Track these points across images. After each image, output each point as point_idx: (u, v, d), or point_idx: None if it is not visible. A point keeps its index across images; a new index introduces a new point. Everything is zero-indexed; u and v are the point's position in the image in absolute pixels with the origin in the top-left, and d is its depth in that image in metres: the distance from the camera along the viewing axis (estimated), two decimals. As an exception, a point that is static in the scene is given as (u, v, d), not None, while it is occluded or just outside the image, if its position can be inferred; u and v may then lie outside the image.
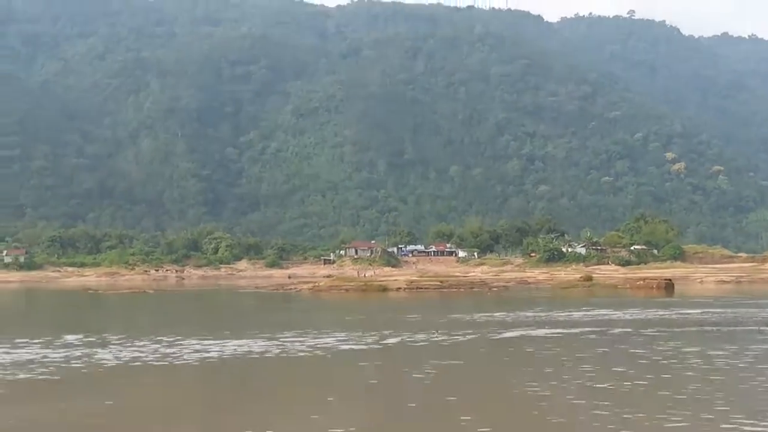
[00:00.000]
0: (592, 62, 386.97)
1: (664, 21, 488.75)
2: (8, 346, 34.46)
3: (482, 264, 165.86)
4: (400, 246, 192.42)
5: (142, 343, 35.18)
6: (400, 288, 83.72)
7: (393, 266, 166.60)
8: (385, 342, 35.77)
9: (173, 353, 32.13)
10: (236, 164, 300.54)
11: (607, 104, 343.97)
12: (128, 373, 27.66)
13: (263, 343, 35.06)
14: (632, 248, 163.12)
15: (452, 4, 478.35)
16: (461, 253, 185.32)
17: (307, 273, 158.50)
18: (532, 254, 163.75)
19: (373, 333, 38.73)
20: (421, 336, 37.76)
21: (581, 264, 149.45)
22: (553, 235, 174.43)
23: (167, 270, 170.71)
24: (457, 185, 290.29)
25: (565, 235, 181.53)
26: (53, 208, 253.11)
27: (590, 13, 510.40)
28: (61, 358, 31.08)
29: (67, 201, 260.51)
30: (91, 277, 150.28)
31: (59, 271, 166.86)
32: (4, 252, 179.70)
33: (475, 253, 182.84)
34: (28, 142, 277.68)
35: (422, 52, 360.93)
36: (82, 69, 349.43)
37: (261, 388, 25.96)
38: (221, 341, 35.69)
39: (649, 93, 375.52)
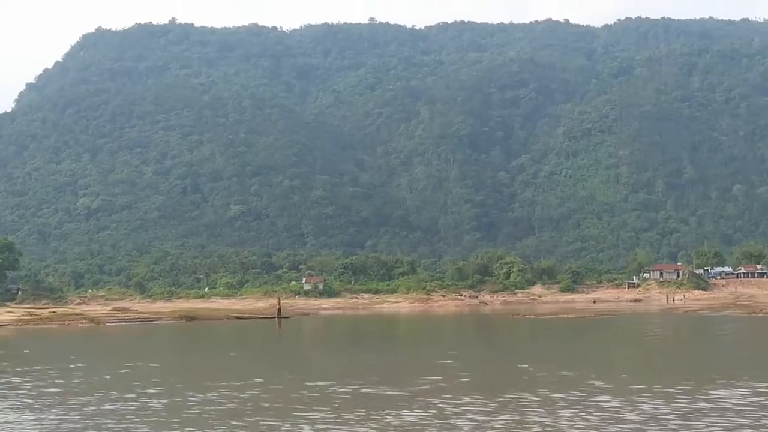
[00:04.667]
0: None
1: None
2: None
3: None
4: (706, 268, 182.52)
5: None
6: None
7: (703, 289, 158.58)
8: None
9: None
10: (509, 188, 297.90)
11: None
12: None
13: None
14: None
15: (724, 18, 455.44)
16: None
17: (612, 297, 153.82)
18: None
19: None
20: None
21: None
22: None
23: (462, 295, 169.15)
24: (742, 204, 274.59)
25: None
26: (332, 237, 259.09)
27: None
28: None
29: (346, 229, 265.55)
30: (404, 303, 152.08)
31: (357, 297, 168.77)
32: (303, 280, 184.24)
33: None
34: (307, 173, 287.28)
35: (698, 68, 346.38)
36: (353, 100, 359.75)
37: None
38: None
39: None
